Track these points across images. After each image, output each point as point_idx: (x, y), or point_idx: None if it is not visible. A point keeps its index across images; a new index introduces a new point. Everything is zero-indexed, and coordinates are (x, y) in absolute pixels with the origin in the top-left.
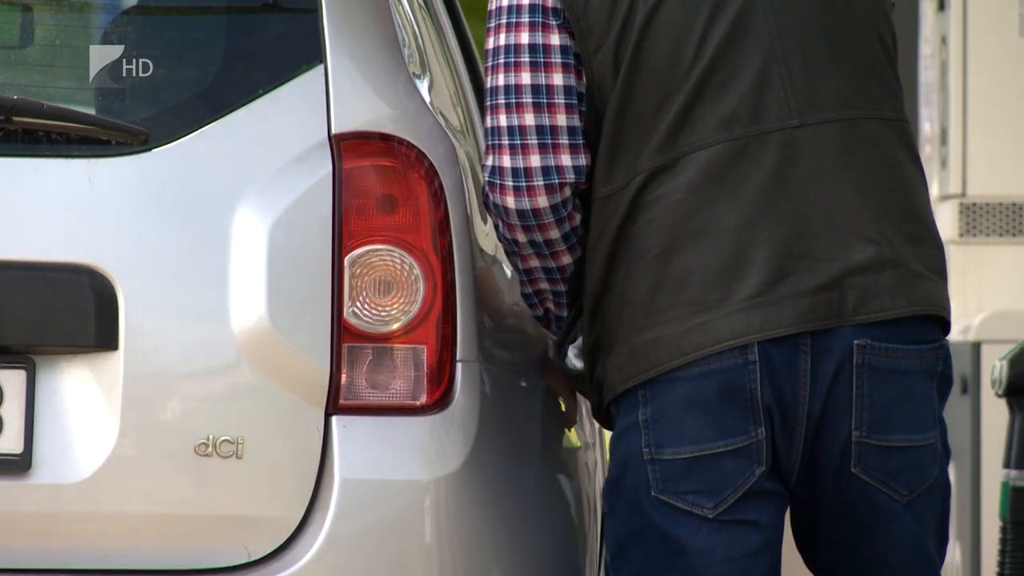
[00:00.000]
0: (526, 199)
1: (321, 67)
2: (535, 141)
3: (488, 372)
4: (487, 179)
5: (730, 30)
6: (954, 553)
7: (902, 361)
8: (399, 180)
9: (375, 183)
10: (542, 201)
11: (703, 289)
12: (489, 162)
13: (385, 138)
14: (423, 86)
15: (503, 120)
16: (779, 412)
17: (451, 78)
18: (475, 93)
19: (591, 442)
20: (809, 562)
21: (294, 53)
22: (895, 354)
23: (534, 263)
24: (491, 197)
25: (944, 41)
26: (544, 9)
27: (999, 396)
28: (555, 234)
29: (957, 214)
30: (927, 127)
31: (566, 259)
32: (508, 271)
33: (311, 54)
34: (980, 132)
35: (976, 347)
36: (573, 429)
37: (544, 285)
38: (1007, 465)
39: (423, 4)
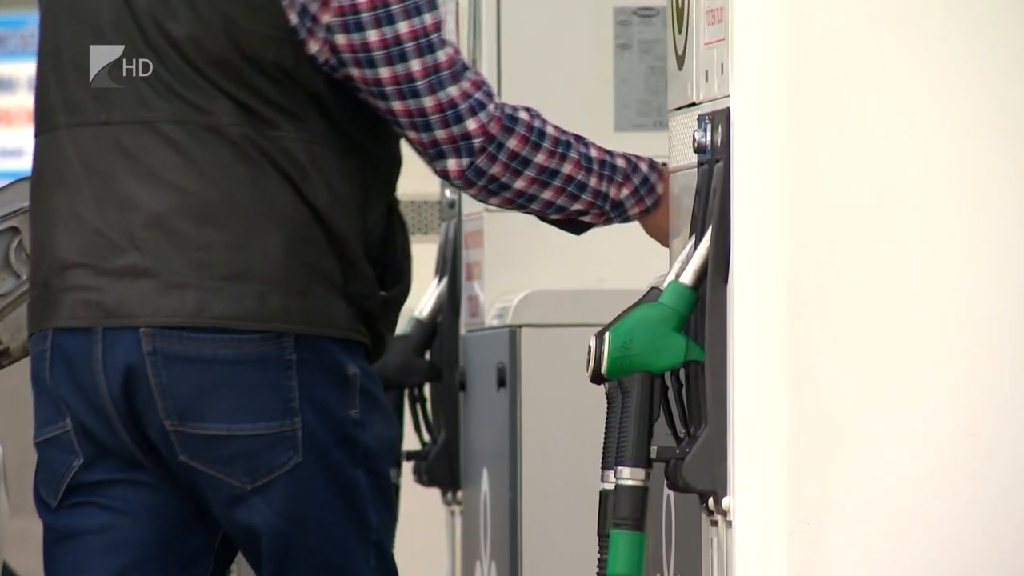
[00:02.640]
0: None
1: None
2: None
3: None
4: None
5: (63, 18)
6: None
7: (207, 350)
8: None
9: None
10: None
11: (33, 270)
12: None
13: None
14: None
15: None
16: (84, 402)
17: None
18: None
19: None
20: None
21: None
22: (197, 343)
23: None
24: None
25: None
26: None
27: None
28: None
29: None
30: None
31: None
32: None
33: None
34: None
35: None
36: None
37: None
38: None
39: None
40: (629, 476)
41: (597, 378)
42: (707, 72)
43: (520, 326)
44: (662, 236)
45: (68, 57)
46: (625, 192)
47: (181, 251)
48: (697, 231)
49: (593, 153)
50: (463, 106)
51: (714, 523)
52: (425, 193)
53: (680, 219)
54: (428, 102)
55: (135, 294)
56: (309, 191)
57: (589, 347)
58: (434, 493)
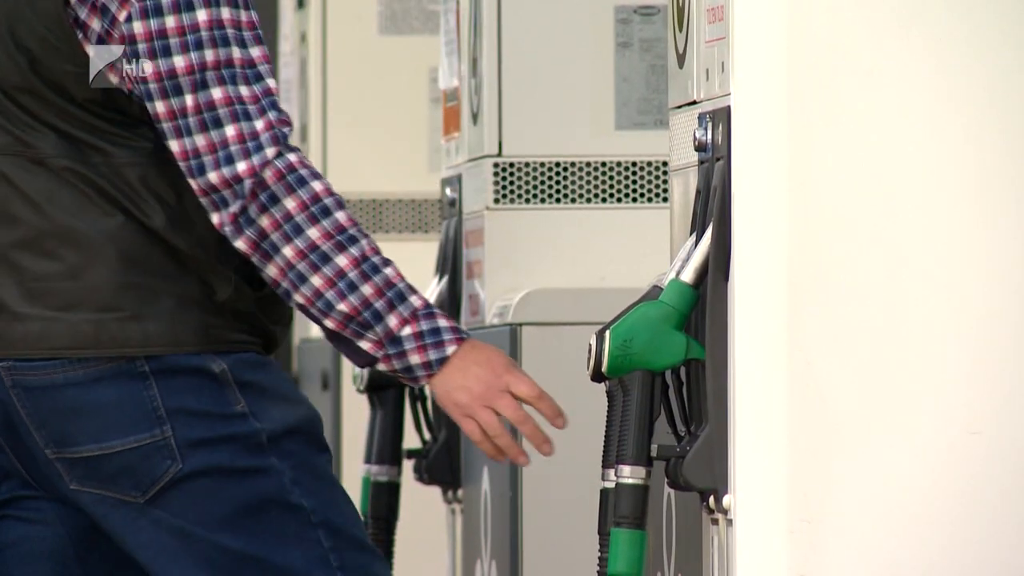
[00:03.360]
0: None
1: None
2: None
3: None
4: None
5: None
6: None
7: (58, 376)
8: None
9: None
10: None
11: None
12: None
13: None
14: None
15: None
16: None
17: None
18: None
19: None
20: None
21: None
22: (47, 371)
23: None
24: None
25: (304, 38)
26: None
27: (360, 392)
28: None
29: None
30: None
31: None
32: None
33: None
34: (340, 129)
35: None
36: None
37: None
38: (368, 460)
39: None
40: (630, 474)
41: (598, 377)
42: (708, 70)
43: (521, 324)
44: (452, 407)
45: None
46: (407, 331)
47: (21, 284)
48: (698, 229)
49: (388, 272)
50: (223, 110)
51: (715, 521)
52: (425, 192)
53: (681, 218)
54: (188, 101)
55: None
56: (142, 214)
57: (590, 345)
58: (434, 492)
